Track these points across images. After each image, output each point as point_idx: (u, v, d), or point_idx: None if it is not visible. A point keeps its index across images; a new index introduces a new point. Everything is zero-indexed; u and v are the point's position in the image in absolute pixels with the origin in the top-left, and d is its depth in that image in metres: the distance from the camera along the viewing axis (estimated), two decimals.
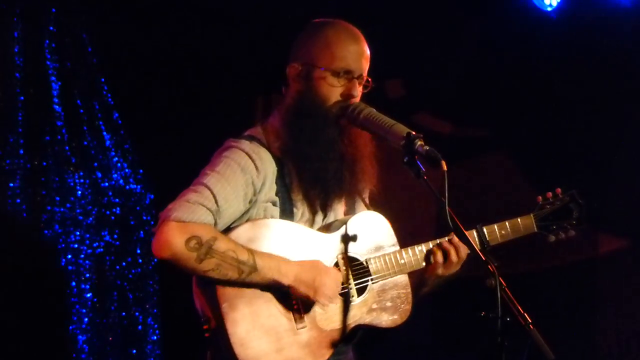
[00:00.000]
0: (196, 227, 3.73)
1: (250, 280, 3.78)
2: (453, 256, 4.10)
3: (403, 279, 4.10)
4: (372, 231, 4.06)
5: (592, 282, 6.64)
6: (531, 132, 6.60)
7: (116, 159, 6.00)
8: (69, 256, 5.84)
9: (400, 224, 4.18)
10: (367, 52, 4.03)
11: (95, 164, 5.95)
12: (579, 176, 6.39)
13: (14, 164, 5.70)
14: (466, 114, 6.73)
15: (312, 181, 3.95)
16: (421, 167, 3.59)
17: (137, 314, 6.00)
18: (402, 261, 4.08)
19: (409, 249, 4.11)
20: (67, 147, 5.87)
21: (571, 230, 4.37)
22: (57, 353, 5.79)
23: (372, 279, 4.01)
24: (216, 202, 3.79)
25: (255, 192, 3.89)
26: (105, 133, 5.99)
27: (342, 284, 3.94)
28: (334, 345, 3.92)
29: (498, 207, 4.81)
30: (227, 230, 3.86)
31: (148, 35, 5.96)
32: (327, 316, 3.91)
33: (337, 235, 4.00)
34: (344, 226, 4.02)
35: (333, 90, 3.96)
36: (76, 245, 5.86)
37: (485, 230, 4.21)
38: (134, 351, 6.00)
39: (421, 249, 4.12)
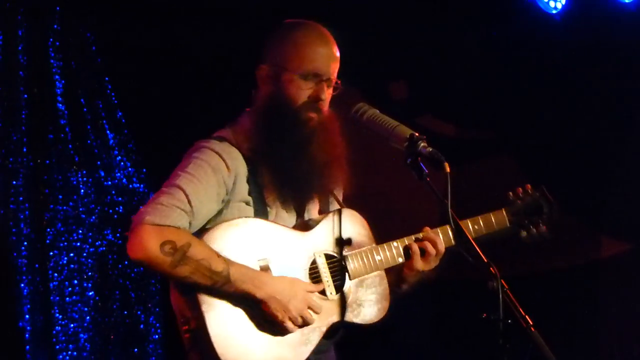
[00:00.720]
0: (171, 232, 3.72)
1: (223, 290, 3.76)
2: (431, 250, 4.09)
3: (380, 275, 4.09)
4: (348, 228, 4.05)
5: (593, 285, 6.65)
6: (535, 134, 6.60)
7: (119, 158, 6.01)
8: (72, 254, 5.85)
9: (396, 225, 4.18)
10: (337, 54, 4.01)
11: (99, 162, 5.96)
12: (582, 178, 6.40)
13: (17, 162, 5.71)
14: (470, 116, 6.73)
15: (283, 183, 3.95)
16: (424, 168, 3.59)
17: (139, 312, 6.01)
18: (379, 257, 4.07)
19: (385, 246, 4.10)
20: (70, 146, 5.88)
21: (542, 225, 4.37)
22: (58, 351, 5.79)
23: (349, 276, 4.01)
24: (189, 202, 3.78)
25: (227, 191, 3.88)
26: (108, 132, 6.00)
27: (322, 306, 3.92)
28: (314, 342, 3.91)
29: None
30: (203, 231, 3.85)
31: (152, 35, 5.96)
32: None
33: (313, 233, 3.99)
34: (320, 224, 4.01)
35: (301, 93, 3.95)
36: (79, 244, 5.87)
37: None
38: (136, 350, 6.00)
39: (397, 245, 4.12)
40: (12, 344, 5.62)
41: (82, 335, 5.86)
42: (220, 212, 3.89)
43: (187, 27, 6.03)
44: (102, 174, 5.97)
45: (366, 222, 4.12)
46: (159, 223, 3.72)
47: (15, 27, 5.77)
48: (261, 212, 3.94)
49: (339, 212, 4.07)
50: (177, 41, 6.01)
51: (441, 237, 4.13)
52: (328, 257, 3.99)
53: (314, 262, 3.95)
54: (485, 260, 3.39)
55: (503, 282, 3.32)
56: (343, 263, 4.00)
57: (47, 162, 5.81)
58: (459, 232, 3.56)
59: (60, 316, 5.81)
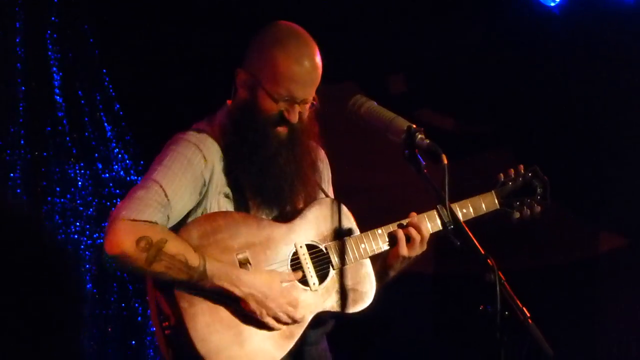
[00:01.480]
0: (147, 227, 3.70)
1: (201, 286, 3.74)
2: (415, 235, 4.07)
3: (365, 264, 4.08)
4: (331, 217, 4.03)
5: (592, 280, 6.64)
6: (533, 128, 6.59)
7: (117, 150, 6.00)
8: (69, 247, 5.84)
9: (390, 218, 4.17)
10: (317, 73, 3.96)
11: (96, 155, 5.95)
12: (580, 172, 6.39)
13: (14, 154, 5.70)
14: (469, 110, 6.72)
15: (257, 189, 3.95)
16: (422, 161, 3.58)
17: (136, 305, 6.00)
18: (363, 246, 4.05)
19: (369, 234, 4.08)
20: (68, 138, 5.88)
21: (537, 206, 4.34)
22: (55, 344, 5.79)
23: (332, 266, 3.99)
24: (166, 195, 3.77)
25: (205, 182, 3.88)
26: (106, 124, 5.99)
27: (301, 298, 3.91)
28: (299, 334, 3.90)
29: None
30: (182, 224, 3.84)
31: (150, 28, 5.95)
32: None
33: (295, 223, 3.98)
34: (301, 214, 4.00)
35: (272, 112, 3.93)
36: (76, 236, 5.86)
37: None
38: (133, 342, 6.00)
39: (380, 232, 4.10)
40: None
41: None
42: (199, 205, 3.88)
43: (185, 21, 6.02)
44: (100, 166, 5.97)
45: (349, 212, 4.10)
46: (134, 218, 3.70)
47: (13, 19, 5.75)
48: (242, 205, 3.93)
49: (322, 202, 4.06)
50: (176, 34, 6.00)
51: (427, 222, 4.11)
52: (310, 247, 3.97)
53: (295, 253, 3.94)
54: (483, 253, 3.38)
55: (500, 274, 3.31)
56: (326, 252, 3.99)
57: (45, 154, 5.80)
58: (457, 225, 3.55)
59: None
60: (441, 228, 4.11)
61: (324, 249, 3.99)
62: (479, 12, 6.50)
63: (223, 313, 3.79)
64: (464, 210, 4.25)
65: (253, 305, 3.79)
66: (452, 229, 3.49)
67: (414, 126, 3.64)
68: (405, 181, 4.17)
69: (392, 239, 4.11)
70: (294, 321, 3.86)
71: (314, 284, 3.94)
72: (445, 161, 3.47)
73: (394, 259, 4.12)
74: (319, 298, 3.95)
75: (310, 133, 4.03)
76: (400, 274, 4.17)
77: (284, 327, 3.85)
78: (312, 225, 4.00)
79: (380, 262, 4.14)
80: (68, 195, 5.86)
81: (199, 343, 3.73)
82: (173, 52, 5.98)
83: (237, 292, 3.78)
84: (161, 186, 3.77)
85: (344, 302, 3.99)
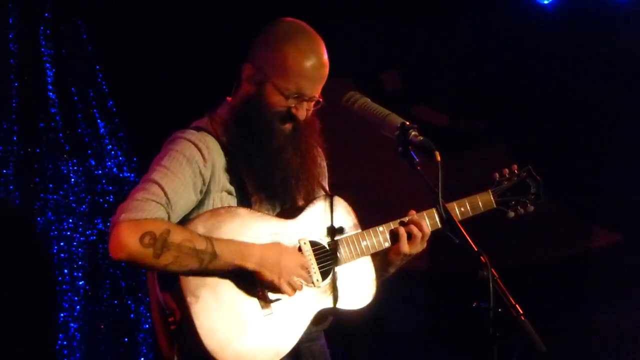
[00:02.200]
0: (148, 223, 3.68)
1: (212, 267, 3.74)
2: (417, 233, 4.08)
3: (366, 261, 4.09)
4: (334, 214, 4.04)
5: (585, 276, 6.65)
6: (527, 124, 6.60)
7: (110, 146, 6.00)
8: (62, 243, 5.84)
9: (385, 215, 4.18)
10: (325, 71, 3.96)
11: (89, 151, 5.95)
12: (574, 168, 6.41)
13: (7, 150, 5.70)
14: (463, 106, 6.72)
15: (261, 185, 3.95)
16: (415, 157, 3.58)
17: (129, 302, 6.00)
18: (365, 243, 4.06)
19: (371, 231, 4.09)
20: (61, 135, 5.87)
21: (530, 205, 4.37)
22: (48, 340, 5.79)
23: (335, 262, 4.00)
24: (166, 195, 3.75)
25: (204, 181, 3.86)
26: (99, 121, 5.98)
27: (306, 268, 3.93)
28: (302, 330, 3.91)
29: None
30: (185, 221, 3.83)
31: (144, 24, 5.95)
32: (292, 301, 3.90)
33: (297, 220, 3.98)
34: (305, 211, 4.00)
35: (279, 106, 3.92)
36: (69, 233, 5.86)
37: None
38: (126, 339, 6.00)
39: (382, 229, 4.10)
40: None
41: (72, 324, 5.85)
42: (202, 203, 3.87)
43: (178, 17, 6.01)
44: (93, 162, 5.96)
45: (351, 208, 4.11)
46: (135, 218, 3.69)
47: (6, 15, 5.74)
48: (245, 201, 3.92)
49: (324, 198, 4.07)
50: (169, 31, 6.00)
51: (427, 220, 4.12)
52: (313, 244, 3.98)
53: (299, 249, 3.94)
54: (476, 249, 3.38)
55: (493, 270, 3.31)
56: (329, 249, 4.00)
57: (38, 150, 5.80)
58: (450, 222, 3.55)
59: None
60: (440, 226, 4.12)
61: (326, 246, 4.00)
62: (472, 9, 6.51)
63: (228, 307, 3.79)
64: (462, 209, 4.27)
65: (267, 274, 3.80)
66: (448, 226, 3.51)
67: (408, 123, 3.65)
68: (400, 177, 4.17)
69: (394, 236, 4.11)
70: (311, 283, 3.89)
71: (317, 280, 3.95)
72: (439, 158, 3.48)
73: (394, 256, 4.13)
74: (321, 294, 3.96)
75: (313, 130, 4.03)
76: (399, 270, 4.18)
77: (287, 320, 3.86)
78: (315, 222, 4.01)
79: (380, 258, 4.15)
80: (61, 192, 5.86)
81: (205, 338, 3.73)
82: (166, 49, 5.98)
83: (249, 265, 3.78)
84: (160, 186, 3.76)
85: (346, 298, 4.00)
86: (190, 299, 3.74)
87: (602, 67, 6.42)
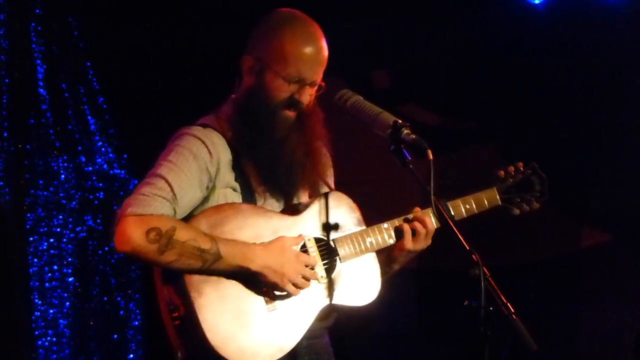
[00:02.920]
0: (154, 219, 3.70)
1: (215, 268, 3.75)
2: (421, 229, 4.09)
3: (371, 257, 4.09)
4: (338, 211, 4.05)
5: (575, 275, 6.67)
6: (518, 124, 6.61)
7: (100, 143, 5.99)
8: (52, 240, 5.83)
9: (381, 213, 4.18)
10: (324, 54, 3.98)
11: (80, 148, 5.94)
12: (565, 168, 6.41)
13: None
14: (453, 105, 6.73)
15: (266, 178, 3.96)
16: (407, 155, 3.59)
17: (119, 299, 5.99)
18: (369, 239, 4.07)
19: (375, 228, 4.10)
20: (51, 131, 5.86)
21: (535, 202, 4.38)
22: (37, 337, 5.78)
23: (339, 259, 4.01)
24: (172, 190, 3.76)
25: (210, 177, 3.88)
26: (90, 117, 5.97)
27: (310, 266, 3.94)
28: (306, 326, 3.91)
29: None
30: (190, 217, 3.84)
31: (134, 21, 5.94)
32: (296, 297, 3.90)
33: (302, 216, 3.98)
34: (309, 207, 4.01)
35: (282, 94, 3.93)
36: (59, 229, 5.85)
37: (449, 205, 4.22)
38: (115, 336, 5.99)
39: (387, 226, 4.11)
40: None
41: (61, 321, 5.84)
42: (207, 199, 3.88)
43: (169, 14, 6.01)
44: (83, 159, 5.95)
45: (355, 205, 4.12)
46: (141, 213, 3.71)
47: None
48: (249, 198, 3.93)
49: (328, 195, 4.07)
50: (159, 27, 5.98)
51: (431, 217, 4.13)
52: (317, 240, 3.99)
53: (303, 246, 3.95)
54: (468, 248, 3.39)
55: (485, 269, 3.32)
56: (333, 246, 4.00)
57: (28, 147, 5.79)
58: (442, 220, 3.56)
59: (40, 302, 5.79)
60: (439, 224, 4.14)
61: (331, 243, 4.01)
62: (464, 9, 6.52)
63: (232, 303, 3.80)
64: (467, 206, 4.27)
65: (271, 276, 3.81)
66: (441, 225, 3.52)
67: (400, 121, 3.66)
68: (395, 175, 4.17)
69: (398, 232, 4.12)
70: (315, 280, 3.90)
71: (321, 276, 3.95)
72: (431, 156, 3.49)
73: (399, 253, 4.13)
74: (326, 291, 3.96)
75: (317, 120, 4.03)
76: (403, 267, 4.19)
77: (292, 317, 3.86)
78: (320, 218, 4.01)
79: (384, 255, 4.15)
80: (51, 188, 5.85)
81: (208, 333, 3.74)
82: (157, 46, 5.97)
83: (253, 267, 3.79)
84: (167, 181, 3.77)
85: (350, 295, 4.01)
86: (194, 294, 3.75)
87: (593, 67, 6.43)
